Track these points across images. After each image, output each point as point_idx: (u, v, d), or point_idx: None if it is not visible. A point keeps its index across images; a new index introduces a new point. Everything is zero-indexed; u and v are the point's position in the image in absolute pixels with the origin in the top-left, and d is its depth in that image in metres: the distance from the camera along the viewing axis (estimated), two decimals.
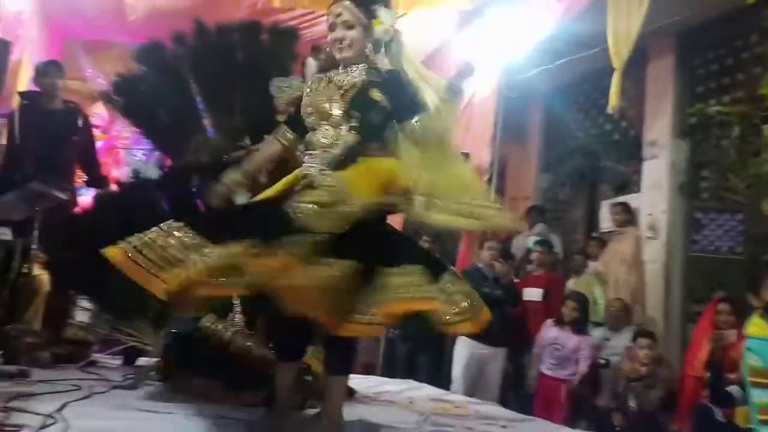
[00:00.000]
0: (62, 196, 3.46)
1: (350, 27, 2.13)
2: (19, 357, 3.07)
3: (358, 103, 2.09)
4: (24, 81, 5.10)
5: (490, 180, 5.66)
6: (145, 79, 3.56)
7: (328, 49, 2.29)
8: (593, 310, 4.81)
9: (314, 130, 2.13)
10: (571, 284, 5.23)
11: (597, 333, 4.71)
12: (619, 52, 4.55)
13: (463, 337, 4.47)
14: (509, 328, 4.59)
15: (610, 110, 4.69)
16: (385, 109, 2.09)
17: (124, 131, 7.18)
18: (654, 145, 5.33)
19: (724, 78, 5.07)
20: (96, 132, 6.21)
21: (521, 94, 6.00)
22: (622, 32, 4.49)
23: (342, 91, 2.11)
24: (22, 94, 4.21)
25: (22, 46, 4.93)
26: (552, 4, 4.96)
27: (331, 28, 2.16)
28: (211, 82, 3.46)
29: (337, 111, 2.09)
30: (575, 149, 6.30)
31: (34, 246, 3.33)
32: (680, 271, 5.10)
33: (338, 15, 2.14)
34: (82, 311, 4.01)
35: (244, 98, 3.39)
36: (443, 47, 6.26)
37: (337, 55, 2.17)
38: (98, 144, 5.22)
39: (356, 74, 2.13)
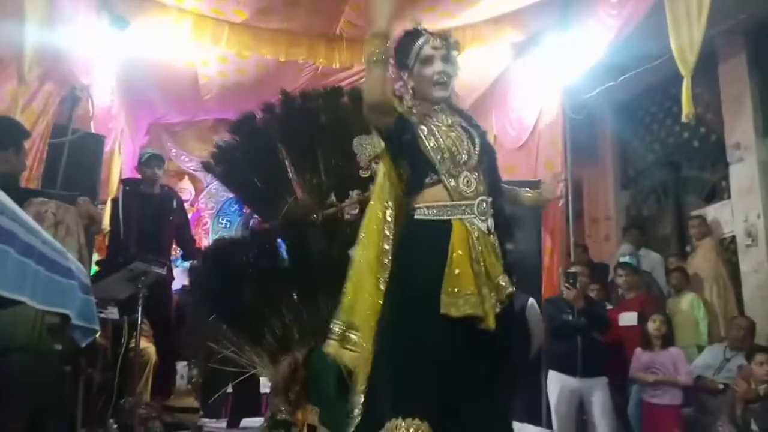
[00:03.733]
0: (161, 271, 3.74)
1: (448, 62, 2.01)
2: (134, 429, 3.28)
3: (484, 146, 2.01)
4: (116, 169, 5.58)
5: (566, 203, 5.56)
6: (240, 148, 3.87)
7: (401, 84, 2.08)
8: (696, 331, 4.51)
9: (451, 177, 1.92)
10: (671, 304, 4.95)
11: (704, 357, 4.39)
12: (685, 59, 4.39)
13: (552, 371, 4.32)
14: (601, 356, 4.36)
15: (684, 119, 4.51)
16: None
17: (209, 203, 7.67)
18: (738, 148, 5.04)
19: None
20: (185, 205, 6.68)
21: (588, 115, 5.89)
22: (685, 39, 4.33)
23: (465, 134, 1.99)
24: (124, 182, 4.63)
25: (114, 137, 5.41)
26: (607, 21, 4.88)
27: (427, 61, 1.99)
28: (297, 146, 3.71)
29: (474, 155, 1.96)
30: (654, 162, 6.06)
31: (139, 321, 3.60)
32: None
33: (437, 48, 1.99)
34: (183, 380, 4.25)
35: (328, 158, 3.60)
36: (500, 79, 6.29)
37: (438, 93, 2.00)
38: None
39: (457, 116, 2.04)
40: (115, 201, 4.36)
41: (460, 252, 1.85)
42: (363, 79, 5.94)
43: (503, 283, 1.86)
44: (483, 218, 1.92)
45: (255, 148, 3.80)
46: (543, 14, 5.22)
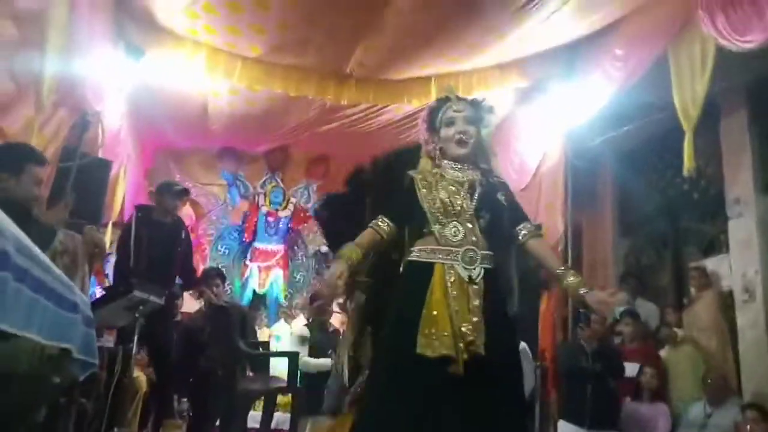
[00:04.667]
0: (160, 301, 3.73)
1: (470, 123, 2.19)
2: None
3: (486, 202, 2.12)
4: (120, 192, 5.61)
5: (564, 248, 5.59)
6: (343, 198, 3.96)
7: (432, 145, 2.26)
8: (692, 385, 4.49)
9: (440, 225, 2.08)
10: (665, 355, 4.94)
11: (686, 416, 4.38)
12: (687, 114, 4.49)
13: (562, 421, 4.27)
14: (615, 407, 4.30)
15: (686, 172, 4.58)
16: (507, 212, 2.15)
17: (209, 229, 7.69)
18: (738, 203, 5.09)
19: None
20: None
21: (590, 161, 5.97)
22: (688, 94, 4.44)
23: (465, 188, 2.13)
24: (138, 208, 4.67)
25: (120, 161, 5.45)
26: (612, 72, 4.99)
27: (450, 122, 2.19)
28: (380, 201, 3.80)
29: (469, 208, 2.09)
30: (654, 212, 6.11)
31: (134, 350, 3.57)
32: None
33: (459, 111, 2.19)
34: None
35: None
36: (505, 122, 6.38)
37: (458, 151, 2.18)
38: None
39: (471, 173, 2.17)
40: (127, 227, 4.35)
41: (437, 294, 1.97)
42: (369, 115, 6.12)
43: (465, 331, 1.91)
44: (468, 266, 2.02)
45: (351, 200, 3.90)
46: (548, 63, 5.34)
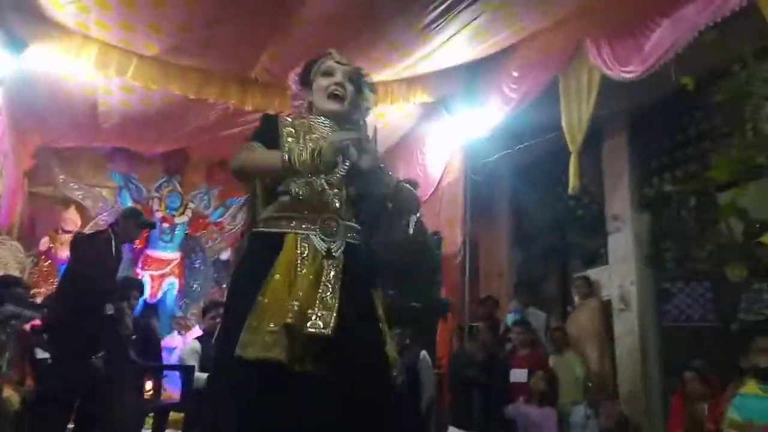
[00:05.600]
0: (35, 314, 3.45)
1: (350, 81, 1.88)
2: None
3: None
4: None
5: (463, 260, 5.81)
6: None
7: (300, 101, 1.94)
8: (575, 389, 4.79)
9: (303, 182, 1.72)
10: (552, 362, 5.24)
11: (578, 412, 4.68)
12: (573, 137, 4.83)
13: (452, 427, 4.40)
14: (499, 413, 4.51)
15: (570, 191, 4.93)
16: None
17: None
18: (616, 219, 5.52)
19: (675, 152, 5.36)
20: (68, 236, 6.23)
21: (488, 176, 6.24)
22: (574, 119, 4.78)
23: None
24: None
25: None
26: (507, 93, 5.26)
27: (328, 72, 1.88)
28: None
29: (341, 169, 1.72)
30: (544, 226, 6.49)
31: (3, 367, 3.28)
32: (655, 342, 5.17)
33: (340, 63, 1.89)
34: None
35: None
36: (408, 136, 6.53)
37: (330, 105, 1.85)
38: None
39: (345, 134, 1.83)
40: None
41: (278, 276, 1.60)
42: None
43: (309, 313, 1.54)
44: (326, 238, 1.68)
45: None
46: (450, 81, 5.53)
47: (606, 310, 5.45)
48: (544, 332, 5.70)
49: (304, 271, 1.61)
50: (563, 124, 4.83)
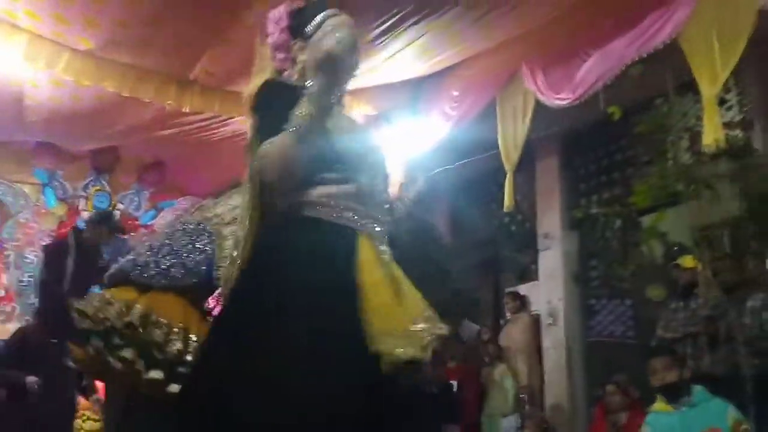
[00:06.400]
0: None
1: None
2: None
3: None
4: None
5: None
6: None
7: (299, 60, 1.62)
8: (505, 401, 4.93)
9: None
10: (484, 375, 5.37)
11: (508, 423, 4.82)
12: (509, 156, 5.00)
13: None
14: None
15: (505, 209, 5.09)
16: None
17: (17, 233, 6.81)
18: (547, 237, 5.75)
19: (602, 176, 5.64)
20: None
21: (427, 190, 6.33)
22: (510, 139, 4.95)
23: None
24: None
25: None
26: (448, 111, 5.38)
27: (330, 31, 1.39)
28: None
29: None
30: (479, 240, 6.65)
31: None
32: (580, 356, 5.40)
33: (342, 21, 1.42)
34: None
35: None
36: None
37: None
38: None
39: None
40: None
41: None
42: (213, 125, 5.89)
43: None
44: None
45: None
46: (393, 95, 5.58)
47: (536, 324, 5.65)
48: (477, 344, 5.84)
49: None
50: (499, 143, 5.00)
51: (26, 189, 6.88)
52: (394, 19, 4.29)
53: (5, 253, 6.73)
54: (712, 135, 3.59)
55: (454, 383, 5.17)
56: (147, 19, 4.37)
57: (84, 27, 4.45)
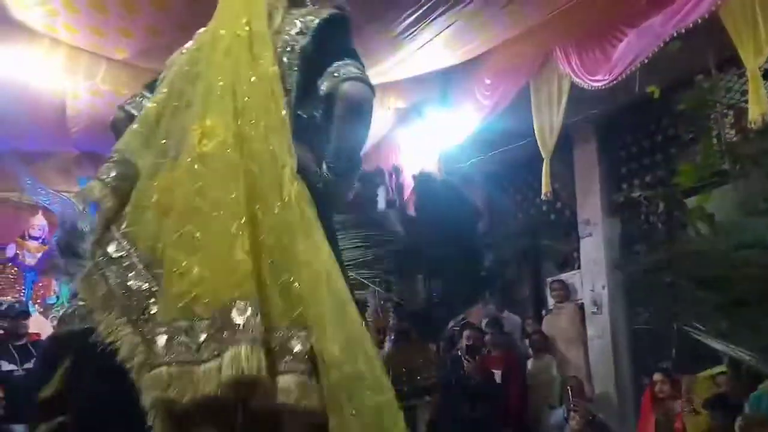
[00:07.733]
0: None
1: None
2: None
3: None
4: None
5: None
6: None
7: None
8: (551, 392, 4.85)
9: None
10: (530, 365, 5.29)
11: (556, 415, 4.74)
12: (545, 143, 4.91)
13: None
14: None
15: (543, 196, 5.00)
16: None
17: None
18: (588, 224, 5.62)
19: (644, 159, 5.47)
20: (35, 243, 6.10)
21: (461, 181, 6.27)
22: (546, 126, 4.85)
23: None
24: None
25: None
26: (480, 100, 5.31)
27: None
28: None
29: None
30: (517, 230, 6.56)
31: None
32: (626, 344, 5.26)
33: None
34: None
35: None
36: (387, 139, 6.55)
37: None
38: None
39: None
40: None
41: None
42: None
43: None
44: None
45: None
46: (424, 87, 5.55)
47: (581, 313, 5.53)
48: (520, 336, 5.76)
49: None
50: (535, 130, 4.90)
51: (73, 197, 7.10)
52: (422, 10, 4.26)
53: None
54: (758, 110, 3.43)
55: (497, 373, 5.10)
56: (177, 25, 4.45)
57: (119, 37, 4.58)
